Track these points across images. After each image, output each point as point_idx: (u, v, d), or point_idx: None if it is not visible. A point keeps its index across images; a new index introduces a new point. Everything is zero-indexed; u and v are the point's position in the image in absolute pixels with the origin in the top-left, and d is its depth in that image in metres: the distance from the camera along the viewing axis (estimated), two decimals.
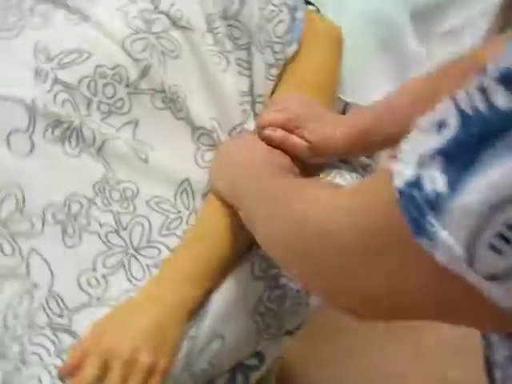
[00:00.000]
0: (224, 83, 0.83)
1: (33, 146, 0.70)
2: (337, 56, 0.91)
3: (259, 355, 0.78)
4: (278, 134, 0.82)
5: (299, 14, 0.87)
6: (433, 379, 1.32)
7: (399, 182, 0.36)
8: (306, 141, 0.81)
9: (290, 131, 0.83)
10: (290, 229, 0.51)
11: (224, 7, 0.82)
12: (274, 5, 0.85)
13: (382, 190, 0.39)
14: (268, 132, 0.82)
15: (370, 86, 0.95)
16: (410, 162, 0.36)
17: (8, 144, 0.70)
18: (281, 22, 0.85)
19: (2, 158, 0.69)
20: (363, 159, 0.87)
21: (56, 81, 0.73)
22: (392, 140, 0.79)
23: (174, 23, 0.80)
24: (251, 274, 0.74)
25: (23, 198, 0.68)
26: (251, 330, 0.74)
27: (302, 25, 0.87)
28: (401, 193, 0.36)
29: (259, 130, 0.84)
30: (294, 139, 0.82)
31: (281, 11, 0.85)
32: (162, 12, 0.80)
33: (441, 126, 0.36)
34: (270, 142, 0.82)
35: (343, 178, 0.83)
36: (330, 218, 0.45)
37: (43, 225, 0.69)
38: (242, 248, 0.74)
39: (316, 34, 0.89)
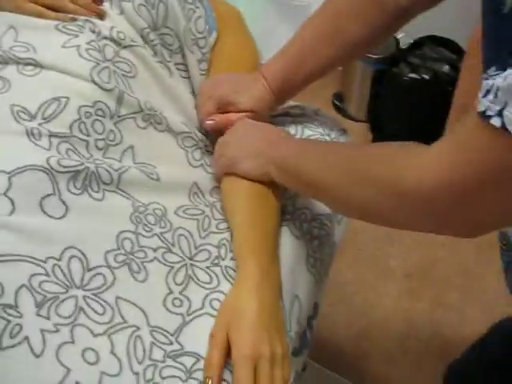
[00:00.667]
0: (177, 89, 0.87)
1: (66, 206, 0.69)
2: (246, 30, 0.98)
3: (314, 305, 0.86)
4: (220, 119, 0.87)
5: (206, 4, 0.92)
6: None
7: None
8: (245, 111, 0.88)
9: (227, 112, 0.88)
10: (405, 192, 0.59)
11: (152, 19, 0.85)
12: (188, 2, 0.88)
13: (487, 139, 0.50)
14: (209, 122, 0.87)
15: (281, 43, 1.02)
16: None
17: (44, 212, 0.68)
18: (199, 17, 0.89)
19: (45, 227, 0.67)
20: (312, 106, 0.96)
21: (51, 135, 0.71)
22: (312, 76, 0.89)
23: (120, 44, 0.81)
24: (292, 234, 0.81)
25: (84, 256, 0.68)
26: (312, 282, 0.81)
27: (212, 13, 0.92)
28: None
29: (201, 124, 0.88)
30: (235, 116, 0.88)
31: (197, 7, 0.89)
32: (106, 38, 0.80)
33: None
34: (215, 130, 0.87)
35: (309, 128, 0.91)
36: (451, 176, 0.55)
37: (112, 272, 0.69)
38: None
39: (222, 17, 0.94)
